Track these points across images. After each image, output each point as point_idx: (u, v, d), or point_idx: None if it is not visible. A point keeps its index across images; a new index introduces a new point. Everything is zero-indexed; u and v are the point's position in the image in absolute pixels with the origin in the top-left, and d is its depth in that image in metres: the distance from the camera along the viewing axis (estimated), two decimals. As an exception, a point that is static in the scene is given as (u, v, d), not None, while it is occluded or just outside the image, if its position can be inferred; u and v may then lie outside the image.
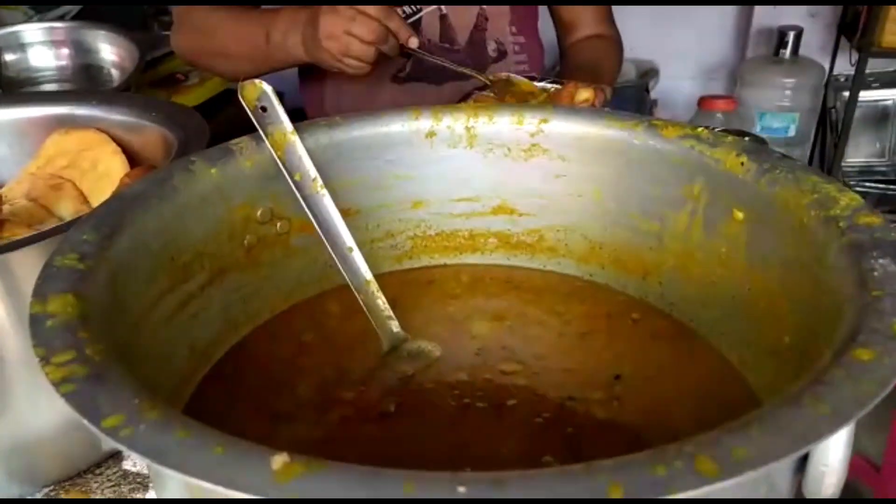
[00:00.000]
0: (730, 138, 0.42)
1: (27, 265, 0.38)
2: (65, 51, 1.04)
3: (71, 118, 0.56)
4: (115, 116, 0.55)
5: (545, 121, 0.49)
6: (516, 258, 0.54)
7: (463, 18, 0.92)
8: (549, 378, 0.43)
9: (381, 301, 0.46)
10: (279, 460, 0.20)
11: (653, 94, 2.18)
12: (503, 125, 0.50)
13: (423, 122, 0.50)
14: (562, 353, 0.45)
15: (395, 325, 0.46)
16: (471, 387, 0.42)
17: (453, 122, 0.50)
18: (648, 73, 2.18)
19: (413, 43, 0.75)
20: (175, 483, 0.25)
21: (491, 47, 0.94)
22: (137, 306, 0.35)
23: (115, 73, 1.04)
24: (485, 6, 0.91)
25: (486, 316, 0.49)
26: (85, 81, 1.05)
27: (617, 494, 0.18)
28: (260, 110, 0.45)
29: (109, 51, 1.02)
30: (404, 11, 0.88)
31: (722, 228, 0.42)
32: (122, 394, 0.23)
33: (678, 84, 2.24)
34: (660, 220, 0.46)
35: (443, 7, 0.90)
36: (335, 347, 0.46)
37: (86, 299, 0.29)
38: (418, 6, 0.88)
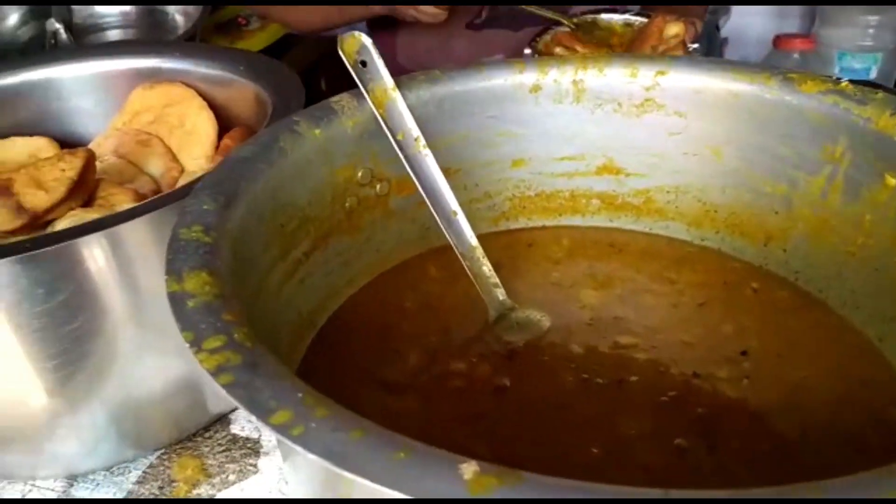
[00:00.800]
0: (880, 94, 0.38)
1: (138, 231, 0.37)
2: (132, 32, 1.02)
3: (156, 71, 0.55)
4: (200, 70, 0.54)
5: (662, 73, 0.45)
6: (619, 220, 0.51)
7: None
8: (669, 352, 0.40)
9: (487, 268, 0.44)
10: (469, 470, 0.18)
11: (723, 32, 2.07)
12: (614, 78, 0.46)
13: (527, 76, 0.47)
14: (679, 324, 0.43)
15: (501, 293, 0.44)
16: (587, 360, 0.40)
17: (560, 76, 0.47)
18: (719, 11, 2.06)
19: None
20: (331, 478, 0.24)
21: None
22: (254, 278, 0.34)
23: (179, 18, 1.01)
24: None
25: (593, 283, 0.47)
26: (149, 27, 1.03)
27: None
28: (360, 65, 0.43)
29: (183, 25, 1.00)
30: None
31: (867, 194, 0.39)
32: (282, 385, 0.22)
33: (750, 21, 2.12)
34: (789, 183, 0.43)
35: None
36: (439, 314, 0.45)
37: (219, 276, 0.27)
38: None
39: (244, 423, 0.45)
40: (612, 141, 0.48)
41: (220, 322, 0.25)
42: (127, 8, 1.03)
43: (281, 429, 0.20)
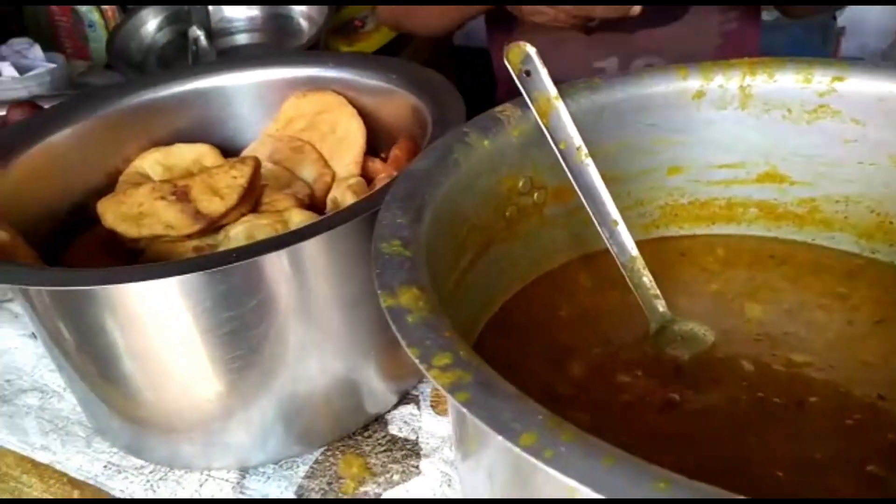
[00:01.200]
0: None
1: (315, 247, 0.39)
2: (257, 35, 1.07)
3: (311, 80, 0.57)
4: (355, 77, 0.55)
5: (840, 79, 0.43)
6: (779, 230, 0.49)
7: None
8: (849, 372, 0.39)
9: (648, 279, 0.43)
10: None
11: (840, 21, 1.95)
12: (786, 83, 0.44)
13: (691, 82, 0.45)
14: (856, 343, 0.41)
15: (661, 305, 0.43)
16: (760, 378, 0.39)
17: (726, 81, 0.45)
18: (836, -1, 1.95)
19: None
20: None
21: None
22: (442, 270, 0.35)
23: (303, 23, 1.05)
24: None
25: (756, 296, 0.45)
26: (275, 31, 1.07)
27: None
28: (524, 74, 0.43)
29: (307, 28, 1.03)
30: None
31: None
32: (520, 407, 0.22)
33: (868, 10, 1.99)
34: (984, 195, 0.40)
35: None
36: (596, 324, 0.44)
37: (427, 291, 0.28)
38: None
39: (401, 425, 0.46)
40: (776, 148, 0.46)
41: (442, 339, 0.25)
42: (254, 12, 1.07)
43: (531, 451, 0.20)
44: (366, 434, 0.46)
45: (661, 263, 0.48)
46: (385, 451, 0.44)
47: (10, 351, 0.57)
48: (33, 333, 0.59)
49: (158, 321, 0.39)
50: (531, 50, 0.43)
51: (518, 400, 0.23)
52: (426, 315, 0.27)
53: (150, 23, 1.06)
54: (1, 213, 0.45)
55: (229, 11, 1.09)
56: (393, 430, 0.46)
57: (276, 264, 0.39)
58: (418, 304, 0.27)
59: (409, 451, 0.44)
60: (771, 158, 0.47)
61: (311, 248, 0.39)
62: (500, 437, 0.21)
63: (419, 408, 0.47)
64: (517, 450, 0.21)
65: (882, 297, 0.43)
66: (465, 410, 0.22)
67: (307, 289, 0.41)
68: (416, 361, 0.24)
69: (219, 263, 0.36)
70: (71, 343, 0.42)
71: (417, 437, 0.45)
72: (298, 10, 1.06)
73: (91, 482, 0.45)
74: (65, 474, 0.46)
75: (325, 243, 0.40)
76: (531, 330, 0.44)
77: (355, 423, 0.47)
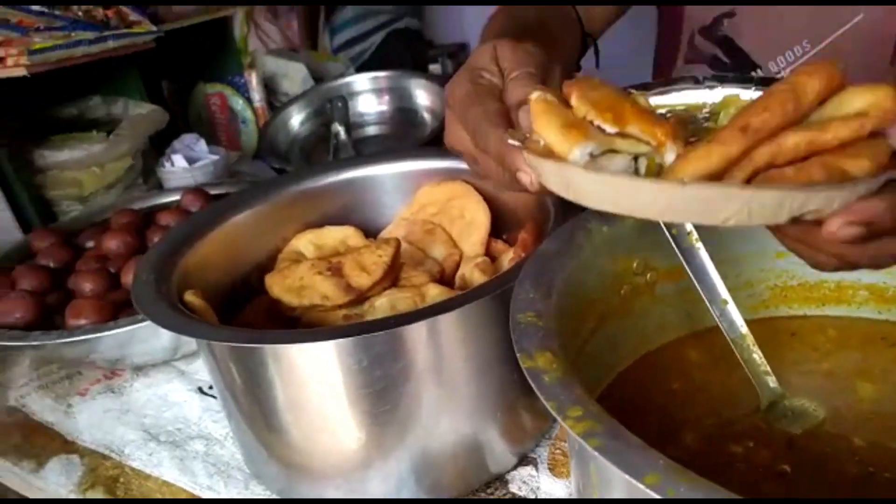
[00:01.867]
0: None
1: (450, 319, 0.45)
2: (386, 97, 1.20)
3: (444, 171, 0.65)
4: (482, 170, 0.63)
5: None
6: (889, 312, 0.51)
7: None
8: (967, 454, 0.40)
9: (758, 355, 0.46)
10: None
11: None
12: None
13: (795, 174, 0.49)
14: (976, 426, 0.42)
15: (772, 381, 0.45)
16: (871, 454, 0.41)
17: (830, 174, 0.48)
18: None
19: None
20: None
21: None
22: (565, 341, 0.40)
23: (426, 116, 1.16)
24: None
25: (868, 375, 0.47)
26: (401, 124, 1.19)
27: None
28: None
29: (423, 97, 1.15)
30: None
31: None
32: (644, 452, 0.27)
33: None
34: None
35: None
36: (709, 398, 0.47)
37: (559, 356, 0.33)
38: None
39: (520, 484, 0.50)
40: (884, 235, 0.49)
41: (574, 395, 0.30)
42: (383, 107, 1.20)
43: (657, 489, 0.25)
44: (488, 491, 0.50)
45: (771, 342, 0.51)
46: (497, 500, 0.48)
47: (180, 404, 0.66)
48: (199, 388, 0.68)
49: (317, 378, 0.46)
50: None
51: (643, 448, 0.27)
52: (560, 375, 0.32)
53: (295, 118, 1.21)
54: (194, 280, 0.55)
55: (363, 106, 1.23)
56: (513, 488, 0.50)
57: (418, 333, 0.45)
58: (552, 366, 0.32)
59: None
60: (879, 244, 0.49)
61: (448, 320, 0.45)
62: (626, 477, 0.26)
63: (537, 469, 0.51)
64: (642, 486, 0.25)
65: None
66: (596, 454, 0.27)
67: (442, 355, 0.46)
68: (554, 413, 0.29)
69: (372, 330, 0.43)
70: (242, 393, 0.50)
71: (536, 497, 0.49)
72: (422, 104, 1.17)
73: (248, 519, 0.52)
74: (227, 508, 0.53)
75: (459, 317, 0.46)
76: (644, 400, 0.48)
77: (478, 480, 0.51)
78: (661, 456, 0.26)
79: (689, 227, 0.47)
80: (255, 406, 0.50)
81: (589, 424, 0.28)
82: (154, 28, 1.02)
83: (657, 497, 0.24)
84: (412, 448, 0.49)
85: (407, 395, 0.47)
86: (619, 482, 0.31)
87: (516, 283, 0.40)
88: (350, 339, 0.44)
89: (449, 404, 0.48)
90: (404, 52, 1.99)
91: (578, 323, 0.44)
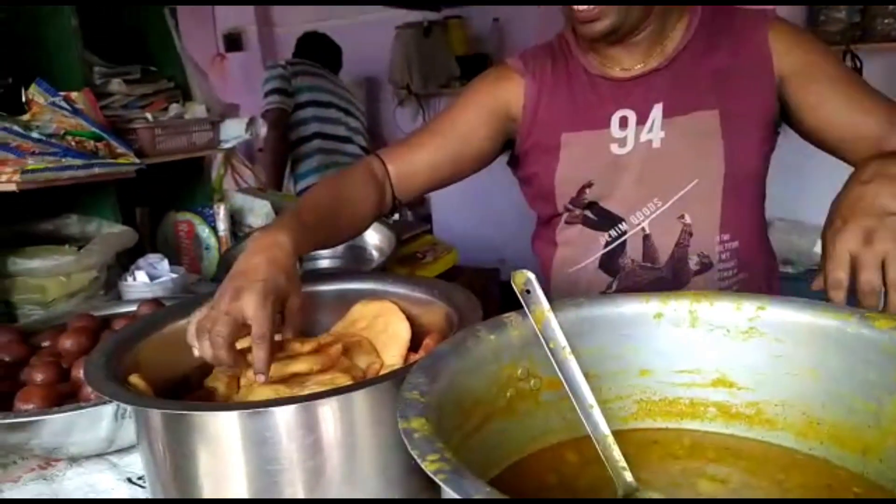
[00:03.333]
0: (941, 331, 0.48)
1: (360, 398, 0.53)
2: (340, 235, 1.33)
3: (373, 292, 0.75)
4: (406, 292, 0.73)
5: (762, 308, 0.57)
6: (735, 427, 0.60)
7: (666, 236, 0.94)
8: (774, 537, 0.48)
9: (617, 452, 0.54)
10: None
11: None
12: (723, 311, 0.59)
13: (651, 305, 0.60)
14: (785, 517, 0.50)
15: (628, 475, 0.54)
16: (700, 537, 0.48)
17: (678, 305, 0.60)
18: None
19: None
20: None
21: (693, 262, 0.94)
22: (449, 427, 0.48)
23: (374, 253, 1.29)
24: (688, 220, 0.93)
25: (709, 477, 0.55)
26: (351, 259, 1.31)
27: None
28: (525, 292, 0.59)
29: (373, 236, 1.28)
30: (610, 235, 0.96)
31: (941, 411, 0.46)
32: (476, 484, 0.35)
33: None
34: (876, 402, 0.51)
35: (646, 227, 0.94)
36: (574, 491, 0.55)
37: (432, 422, 0.42)
38: (623, 229, 0.95)
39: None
40: (723, 359, 0.59)
41: (434, 447, 0.39)
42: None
43: None
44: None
45: (636, 447, 0.59)
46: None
47: (108, 491, 0.70)
48: (129, 478, 0.72)
49: (230, 446, 0.52)
50: (531, 275, 0.60)
51: (475, 480, 0.35)
52: (427, 434, 0.40)
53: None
54: (140, 370, 0.62)
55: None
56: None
57: (329, 408, 0.52)
58: (424, 428, 0.41)
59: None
60: (720, 367, 0.60)
61: (358, 399, 0.53)
62: (459, 496, 0.34)
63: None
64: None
65: (812, 482, 0.53)
66: (440, 482, 0.35)
67: (349, 432, 0.54)
68: (417, 459, 0.38)
69: (281, 404, 0.51)
70: (165, 460, 0.55)
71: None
72: (372, 243, 1.30)
73: None
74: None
75: (364, 397, 0.53)
76: (523, 490, 0.55)
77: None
78: (487, 485, 0.35)
79: (563, 342, 0.57)
80: (176, 473, 0.55)
81: (440, 465, 0.37)
82: (137, 161, 1.15)
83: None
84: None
85: (314, 469, 0.53)
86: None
87: (410, 371, 0.49)
88: (258, 411, 0.51)
89: (356, 483, 0.55)
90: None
91: (464, 416, 0.52)
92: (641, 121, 0.92)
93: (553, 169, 0.96)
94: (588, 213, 0.97)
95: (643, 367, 0.61)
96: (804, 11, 2.34)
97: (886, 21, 2.20)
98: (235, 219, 1.47)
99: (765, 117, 0.91)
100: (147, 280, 1.10)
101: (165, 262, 1.16)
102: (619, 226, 0.96)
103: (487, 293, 2.14)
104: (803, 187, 2.42)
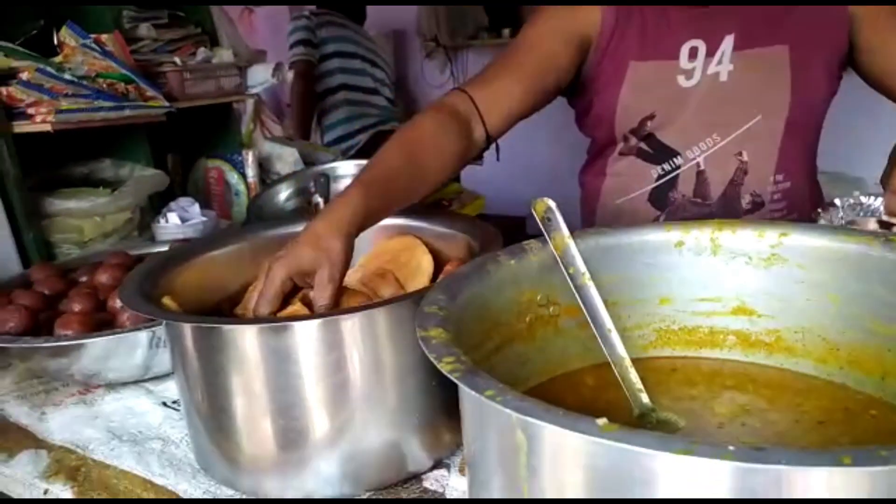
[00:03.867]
0: (968, 251, 0.47)
1: (388, 318, 0.55)
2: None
3: (399, 228, 0.76)
4: (431, 227, 0.74)
5: (785, 234, 0.57)
6: (754, 355, 0.60)
7: (720, 173, 0.93)
8: (788, 453, 0.48)
9: (633, 375, 0.55)
10: (602, 421, 0.31)
11: None
12: (745, 238, 0.58)
13: (673, 234, 0.60)
14: (799, 434, 0.50)
15: (644, 397, 0.54)
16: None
17: (700, 234, 0.60)
18: None
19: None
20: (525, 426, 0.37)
21: (745, 200, 0.94)
22: (469, 344, 0.49)
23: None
24: (745, 158, 0.92)
25: (727, 401, 0.56)
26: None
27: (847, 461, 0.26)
28: (546, 220, 0.59)
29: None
30: (663, 169, 0.96)
31: (962, 331, 0.46)
32: (490, 381, 0.36)
33: None
34: (897, 324, 0.51)
35: (701, 162, 0.93)
36: (593, 410, 0.56)
37: (448, 332, 0.43)
38: (677, 163, 0.95)
39: (433, 482, 0.58)
40: (744, 287, 0.59)
41: (450, 350, 0.40)
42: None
43: (490, 398, 0.34)
44: (404, 486, 0.58)
45: (654, 376, 0.60)
46: (417, 498, 0.56)
47: (144, 413, 0.73)
48: (163, 402, 0.75)
49: (260, 360, 0.54)
50: (552, 203, 0.60)
51: (488, 378, 0.36)
52: (445, 340, 0.41)
53: (283, 193, 1.33)
54: (175, 293, 0.64)
55: (344, 185, 1.36)
56: (426, 484, 0.57)
57: (349, 325, 0.53)
58: (441, 336, 0.42)
59: (437, 499, 0.55)
60: (740, 295, 0.60)
61: (376, 317, 0.54)
62: (473, 393, 0.35)
63: (449, 471, 0.59)
64: (481, 397, 0.34)
65: (829, 406, 0.53)
66: (455, 380, 0.36)
67: (370, 349, 0.55)
68: (433, 360, 0.39)
69: (306, 319, 0.53)
70: (197, 376, 0.57)
71: (444, 492, 0.56)
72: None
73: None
74: (175, 493, 0.59)
75: (385, 315, 0.55)
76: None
77: (397, 476, 0.58)
78: (500, 383, 0.36)
79: (583, 268, 0.57)
80: (207, 389, 0.57)
81: (455, 366, 0.38)
82: (167, 104, 1.16)
83: (498, 407, 0.34)
84: (346, 445, 0.56)
85: (337, 385, 0.55)
86: (473, 403, 0.40)
87: (432, 289, 0.50)
88: (287, 325, 0.53)
89: (375, 402, 0.57)
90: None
91: (484, 337, 0.53)
92: (711, 52, 0.90)
93: (616, 96, 0.94)
94: (644, 144, 0.96)
95: (663, 295, 0.62)
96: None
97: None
98: (264, 166, 1.48)
99: (835, 56, 0.89)
100: (179, 222, 1.13)
101: (196, 206, 1.19)
102: (674, 160, 0.94)
103: (513, 243, 2.14)
104: (845, 140, 2.36)
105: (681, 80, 0.91)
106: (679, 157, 0.94)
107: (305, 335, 0.53)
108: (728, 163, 0.93)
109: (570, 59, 0.93)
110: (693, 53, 0.90)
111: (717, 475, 0.30)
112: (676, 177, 0.96)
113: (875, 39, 0.86)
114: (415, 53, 3.66)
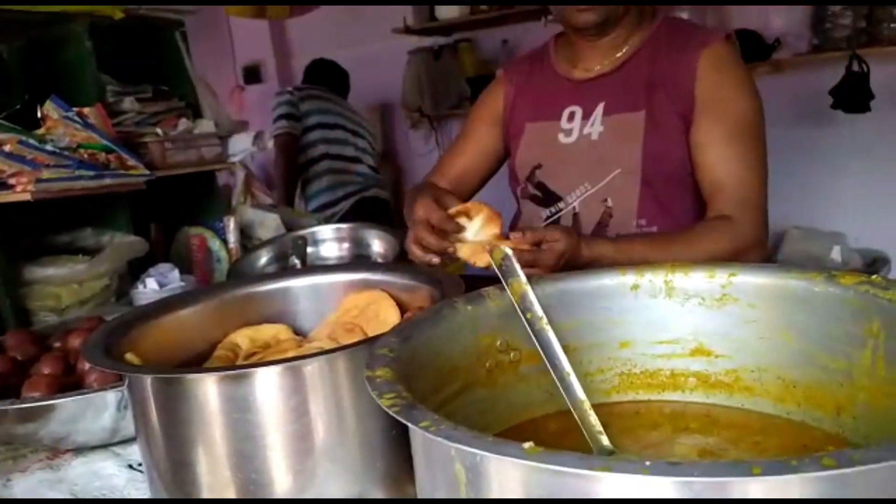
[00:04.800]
0: (901, 282, 0.49)
1: (348, 363, 0.55)
2: (346, 245, 1.35)
3: (363, 282, 0.77)
4: (395, 280, 0.75)
5: (734, 274, 0.58)
6: (715, 396, 0.61)
7: (591, 216, 1.08)
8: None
9: (593, 418, 0.55)
10: (528, 444, 0.31)
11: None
12: (697, 280, 0.60)
13: (628, 278, 0.62)
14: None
15: (605, 439, 0.54)
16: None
17: (653, 277, 0.61)
18: (877, 263, 2.09)
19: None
20: (461, 457, 0.37)
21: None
22: (425, 389, 0.49)
23: (379, 260, 1.31)
24: (610, 204, 1.07)
25: (687, 442, 0.56)
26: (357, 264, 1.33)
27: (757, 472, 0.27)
28: (503, 267, 0.61)
29: (378, 245, 1.31)
30: (550, 211, 1.13)
31: (904, 361, 0.47)
32: (426, 414, 0.36)
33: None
34: (846, 358, 0.52)
35: (576, 206, 1.11)
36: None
37: (396, 371, 0.44)
38: (560, 207, 1.12)
39: None
40: (700, 328, 0.60)
41: (394, 388, 0.40)
42: (343, 253, 1.35)
43: (424, 428, 0.34)
44: None
45: (619, 419, 0.60)
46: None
47: (110, 476, 0.72)
48: (129, 465, 0.75)
49: (219, 410, 0.54)
50: (509, 250, 0.62)
51: (425, 410, 0.37)
52: (388, 379, 0.42)
53: (263, 258, 1.35)
54: (139, 351, 0.65)
55: (325, 252, 1.38)
56: None
57: (315, 368, 0.54)
58: (386, 375, 0.43)
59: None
60: (697, 336, 0.61)
61: (337, 360, 0.55)
62: (410, 424, 0.35)
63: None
64: (417, 429, 0.35)
65: (789, 443, 0.54)
66: (393, 414, 0.37)
67: (337, 396, 0.55)
68: (375, 397, 0.39)
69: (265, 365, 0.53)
70: (156, 430, 0.57)
71: None
72: (376, 251, 1.32)
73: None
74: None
75: (345, 358, 0.55)
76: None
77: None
78: (436, 415, 0.36)
79: (540, 313, 0.58)
80: (168, 443, 0.57)
81: (394, 401, 0.38)
82: (147, 172, 1.19)
83: (432, 437, 0.34)
84: (303, 492, 0.56)
85: (298, 434, 0.54)
86: (418, 441, 0.40)
87: (385, 334, 0.51)
88: (247, 372, 0.54)
89: (337, 450, 0.56)
90: (370, 219, 2.22)
91: (441, 382, 0.54)
92: (586, 115, 1.10)
93: (516, 150, 1.16)
94: (536, 191, 1.14)
95: (623, 338, 0.62)
96: (809, 17, 2.35)
97: (892, 25, 2.20)
98: (246, 233, 1.51)
99: (683, 125, 1.03)
100: (157, 287, 1.13)
101: (176, 272, 1.20)
102: (558, 204, 1.12)
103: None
104: (817, 196, 2.41)
105: (561, 137, 1.11)
106: (561, 202, 1.12)
107: (266, 382, 0.53)
108: (597, 207, 1.09)
109: (496, 134, 1.20)
110: (571, 116, 1.11)
111: (643, 492, 0.30)
112: (559, 218, 1.13)
113: (696, 129, 1.02)
114: (401, 123, 3.76)
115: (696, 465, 0.28)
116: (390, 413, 0.37)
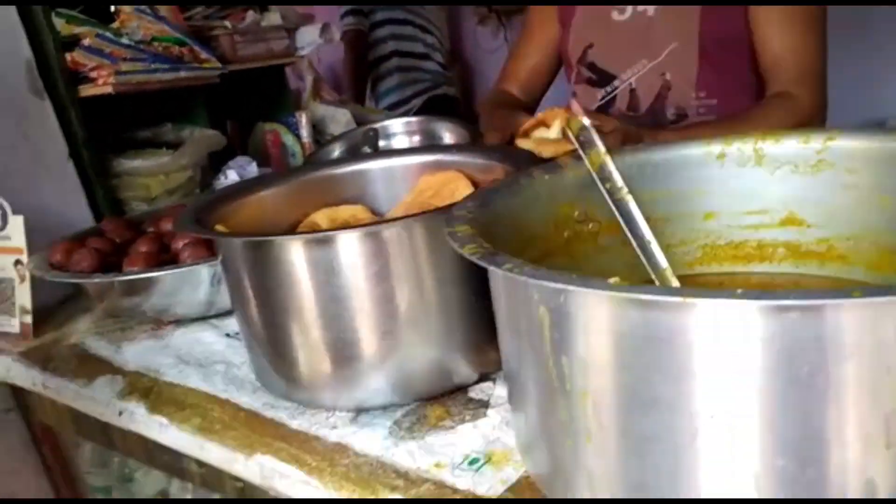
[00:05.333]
0: None
1: (424, 231, 0.56)
2: (416, 137, 1.34)
3: (437, 163, 0.77)
4: (468, 160, 0.75)
5: (831, 138, 0.55)
6: (805, 266, 0.59)
7: (648, 89, 1.10)
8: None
9: (676, 284, 0.55)
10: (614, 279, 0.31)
11: None
12: (790, 146, 0.57)
13: (714, 147, 0.59)
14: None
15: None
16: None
17: (742, 145, 0.58)
18: None
19: None
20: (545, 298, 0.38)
21: (670, 112, 1.10)
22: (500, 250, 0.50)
23: (447, 136, 1.30)
24: (667, 78, 1.08)
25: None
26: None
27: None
28: (581, 138, 0.59)
29: (449, 137, 1.29)
30: (606, 91, 1.15)
31: None
32: (508, 258, 0.37)
33: None
34: (953, 221, 0.49)
35: (633, 83, 1.12)
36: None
37: (475, 228, 0.44)
38: (615, 85, 1.14)
39: (478, 392, 0.59)
40: (792, 196, 0.58)
41: (473, 240, 0.41)
42: (415, 139, 1.35)
43: (508, 270, 0.35)
44: (451, 396, 0.59)
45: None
46: (463, 405, 0.57)
47: (209, 343, 0.78)
48: (227, 334, 0.80)
49: (310, 273, 0.56)
50: (587, 121, 0.60)
51: (509, 257, 0.37)
52: (469, 232, 0.42)
53: (336, 151, 1.36)
54: (227, 225, 0.68)
55: (395, 144, 1.38)
56: (472, 394, 0.59)
57: (390, 235, 0.55)
58: (466, 232, 0.43)
59: (481, 405, 0.57)
60: (788, 205, 0.58)
61: (416, 226, 0.56)
62: (492, 267, 0.36)
63: (494, 384, 0.60)
64: (500, 271, 0.35)
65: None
66: (475, 260, 0.37)
67: (412, 259, 0.56)
68: (455, 247, 0.40)
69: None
70: (251, 292, 0.59)
71: (489, 399, 0.58)
72: (447, 136, 1.31)
73: (253, 412, 0.62)
74: (237, 405, 0.63)
75: (425, 223, 0.56)
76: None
77: (442, 387, 0.60)
78: (520, 260, 0.36)
79: (620, 183, 0.57)
80: (260, 304, 0.60)
81: (475, 250, 0.39)
82: (220, 65, 1.20)
83: (516, 277, 0.34)
84: (397, 359, 0.58)
85: (381, 297, 0.56)
86: (499, 289, 0.41)
87: (462, 200, 0.51)
88: (329, 235, 0.55)
89: (418, 314, 0.58)
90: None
91: (522, 247, 0.54)
92: None
93: (568, 36, 1.17)
94: (590, 72, 1.16)
95: (708, 209, 0.61)
96: None
97: None
98: (318, 128, 1.52)
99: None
100: (237, 178, 1.17)
101: (254, 164, 1.23)
102: (613, 82, 1.14)
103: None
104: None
105: (615, 14, 1.12)
106: (616, 80, 1.13)
107: (348, 245, 0.54)
108: (654, 82, 1.10)
109: (556, 28, 1.20)
110: None
111: (733, 320, 0.30)
112: (615, 97, 1.14)
113: (756, 9, 1.01)
114: (468, 21, 3.63)
115: (792, 291, 0.27)
116: (473, 260, 0.38)
